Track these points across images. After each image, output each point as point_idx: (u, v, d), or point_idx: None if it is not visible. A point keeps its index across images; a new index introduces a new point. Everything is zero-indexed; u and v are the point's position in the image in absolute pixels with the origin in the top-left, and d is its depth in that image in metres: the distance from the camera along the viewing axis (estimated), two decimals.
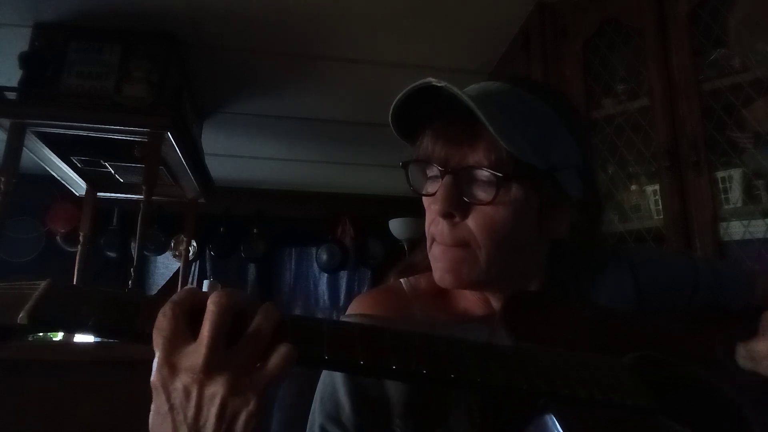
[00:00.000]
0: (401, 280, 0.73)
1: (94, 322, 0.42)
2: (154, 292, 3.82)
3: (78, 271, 2.68)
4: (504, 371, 0.47)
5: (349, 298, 4.09)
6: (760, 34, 1.48)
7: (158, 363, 0.42)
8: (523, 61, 1.97)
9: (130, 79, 2.06)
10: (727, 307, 0.73)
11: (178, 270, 3.32)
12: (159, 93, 2.06)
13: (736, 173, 1.44)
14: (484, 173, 0.59)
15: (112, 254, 3.74)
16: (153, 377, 0.42)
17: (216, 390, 0.40)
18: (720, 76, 1.49)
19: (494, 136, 0.55)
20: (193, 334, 0.42)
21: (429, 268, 0.73)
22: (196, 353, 0.41)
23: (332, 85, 2.57)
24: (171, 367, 0.41)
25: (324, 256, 4.11)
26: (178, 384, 0.41)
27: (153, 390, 0.42)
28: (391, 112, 0.62)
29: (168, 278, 3.91)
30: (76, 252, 2.74)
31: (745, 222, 1.40)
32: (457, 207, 0.60)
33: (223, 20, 2.07)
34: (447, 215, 0.60)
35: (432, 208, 0.63)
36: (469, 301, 0.69)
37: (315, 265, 4.20)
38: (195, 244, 3.68)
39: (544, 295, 0.67)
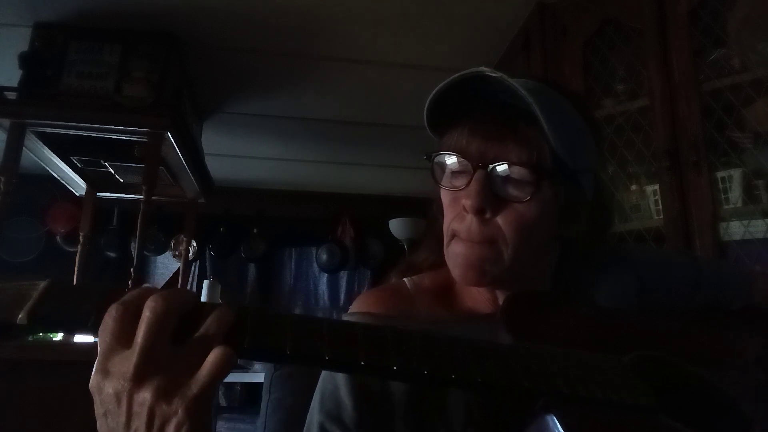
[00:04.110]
0: (404, 278, 0.73)
1: (94, 322, 0.42)
2: None
3: (78, 271, 2.68)
4: (504, 370, 0.46)
5: (349, 298, 4.10)
6: (760, 34, 1.48)
7: (95, 368, 0.41)
8: (523, 61, 1.97)
9: (130, 79, 2.06)
10: (727, 307, 0.73)
11: (178, 270, 3.32)
12: (159, 93, 2.06)
13: (736, 173, 1.44)
14: (521, 170, 0.58)
15: (112, 254, 3.74)
16: (91, 381, 0.41)
17: (145, 397, 0.39)
18: (720, 76, 1.49)
19: (545, 134, 0.55)
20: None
21: (430, 268, 0.73)
22: (128, 360, 0.40)
23: (332, 85, 2.57)
24: (104, 372, 0.40)
25: (324, 256, 4.11)
26: (110, 390, 0.40)
27: (92, 394, 0.42)
28: (430, 99, 0.60)
29: (168, 278, 3.91)
30: (76, 252, 2.74)
31: (745, 222, 1.40)
32: (490, 203, 0.59)
33: (223, 20, 2.07)
34: (479, 211, 0.59)
35: (460, 203, 0.61)
36: (475, 299, 0.69)
37: (315, 265, 4.20)
38: (195, 244, 3.68)
39: (545, 294, 0.67)
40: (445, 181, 0.64)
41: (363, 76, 2.48)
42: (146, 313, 0.41)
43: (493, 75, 0.57)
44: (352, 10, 2.00)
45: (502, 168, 0.59)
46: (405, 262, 0.78)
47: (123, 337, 0.41)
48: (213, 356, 0.41)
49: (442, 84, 0.59)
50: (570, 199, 0.63)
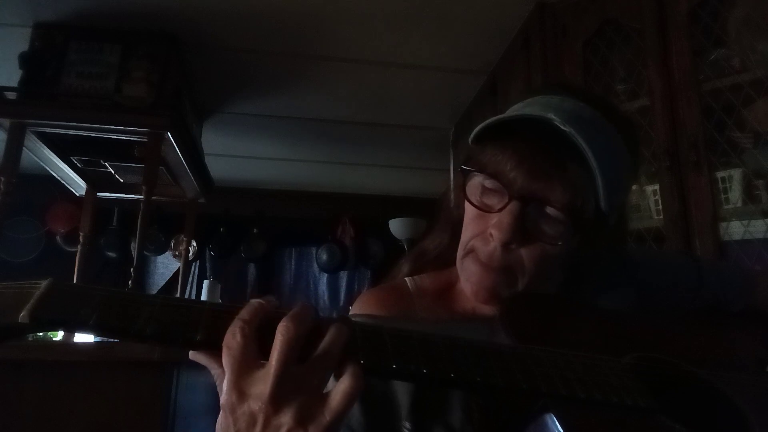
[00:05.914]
0: (406, 278, 0.73)
1: (95, 322, 0.41)
2: (154, 291, 3.82)
3: (78, 271, 2.67)
4: (504, 371, 0.46)
5: (349, 298, 4.09)
6: (760, 34, 1.48)
7: (227, 386, 0.41)
8: (523, 61, 1.97)
9: (130, 79, 2.06)
10: (728, 308, 0.73)
11: (178, 270, 3.32)
12: (159, 93, 2.06)
13: (736, 173, 1.44)
14: (559, 214, 0.57)
15: (112, 254, 3.74)
16: (222, 399, 0.42)
17: (283, 421, 0.40)
18: (720, 76, 1.49)
19: (593, 180, 0.55)
20: (263, 353, 0.42)
21: (441, 256, 0.73)
22: (264, 382, 0.40)
23: (332, 85, 2.57)
24: (240, 392, 0.41)
25: (324, 256, 4.11)
26: (246, 410, 0.41)
27: (222, 410, 0.42)
28: (486, 124, 0.59)
29: (168, 278, 3.91)
30: (76, 252, 2.74)
31: (745, 222, 1.40)
32: (518, 237, 0.58)
33: (223, 20, 2.07)
34: (507, 244, 0.59)
35: (486, 222, 0.60)
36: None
37: (315, 265, 4.20)
38: (195, 244, 3.67)
39: (544, 295, 0.67)
40: (474, 195, 0.62)
41: (363, 76, 2.48)
42: (279, 337, 0.41)
43: (563, 128, 0.55)
44: (352, 10, 2.00)
45: (538, 204, 0.58)
46: (417, 247, 0.78)
47: (251, 356, 0.41)
48: (343, 385, 0.42)
49: (501, 116, 0.58)
50: (594, 229, 0.62)
